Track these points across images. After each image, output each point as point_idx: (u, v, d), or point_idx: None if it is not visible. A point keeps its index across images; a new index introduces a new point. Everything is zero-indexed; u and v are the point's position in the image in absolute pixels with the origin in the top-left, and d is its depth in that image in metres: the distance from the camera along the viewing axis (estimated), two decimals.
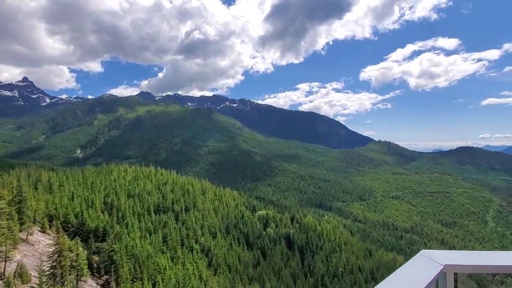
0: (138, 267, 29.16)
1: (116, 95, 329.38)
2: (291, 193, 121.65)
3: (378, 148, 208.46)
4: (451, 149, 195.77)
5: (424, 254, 1.97)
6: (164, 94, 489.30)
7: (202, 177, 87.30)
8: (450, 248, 66.78)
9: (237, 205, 58.27)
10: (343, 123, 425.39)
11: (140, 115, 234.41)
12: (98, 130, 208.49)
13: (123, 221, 38.76)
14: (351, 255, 48.33)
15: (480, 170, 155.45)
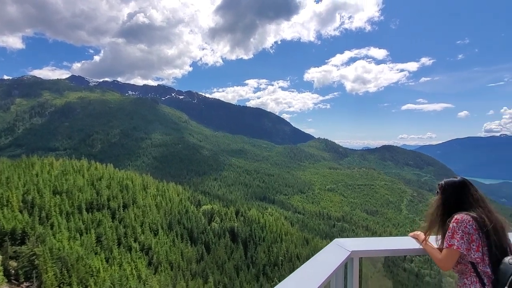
0: (66, 271, 26.19)
1: (40, 77, 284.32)
2: (237, 187, 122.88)
3: (317, 145, 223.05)
4: (376, 147, 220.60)
5: (336, 242, 2.18)
6: (101, 80, 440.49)
7: (143, 171, 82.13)
8: (372, 234, 75.90)
9: (181, 200, 56.50)
10: (288, 120, 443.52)
11: (70, 101, 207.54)
12: (16, 117, 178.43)
13: (48, 221, 34.20)
14: (291, 244, 51.21)
15: (398, 166, 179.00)
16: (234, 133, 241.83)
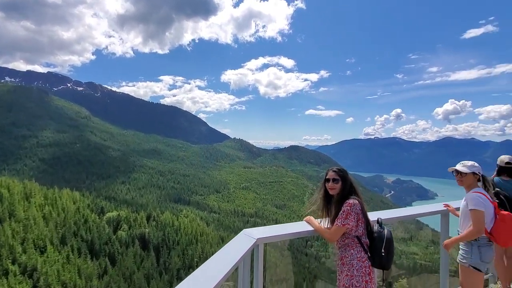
0: None
1: None
2: (149, 190, 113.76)
3: (233, 145, 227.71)
4: (285, 147, 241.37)
5: (244, 232, 2.39)
6: None
7: (26, 176, 66.89)
8: None
9: (79, 208, 48.50)
10: (204, 120, 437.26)
11: None
12: None
13: None
14: (206, 245, 50.71)
15: (302, 164, 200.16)
16: (146, 132, 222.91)
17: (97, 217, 48.28)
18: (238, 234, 2.38)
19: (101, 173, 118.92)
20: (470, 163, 2.94)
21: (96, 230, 44.01)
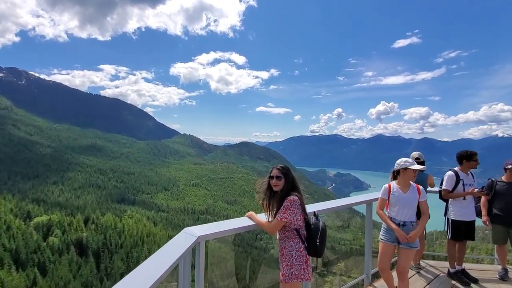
0: None
1: None
2: (87, 190, 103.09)
3: (183, 141, 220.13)
4: (236, 143, 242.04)
5: (185, 231, 2.41)
6: None
7: None
8: None
9: None
10: (151, 115, 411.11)
11: None
12: None
13: None
14: (153, 245, 48.23)
15: (252, 160, 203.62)
16: (83, 126, 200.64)
17: (23, 223, 42.11)
18: (179, 233, 2.38)
19: (26, 172, 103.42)
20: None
21: (22, 237, 38.37)
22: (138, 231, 51.55)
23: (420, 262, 4.56)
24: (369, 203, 4.13)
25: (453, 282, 4.02)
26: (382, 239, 3.28)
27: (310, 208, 3.12)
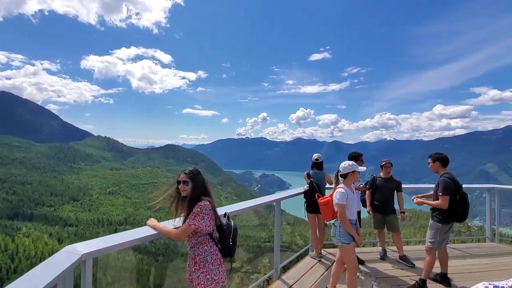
0: None
1: None
2: None
3: (97, 144, 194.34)
4: (161, 146, 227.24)
5: (66, 249, 2.05)
6: None
7: None
8: None
9: None
10: (55, 113, 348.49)
11: None
12: None
13: None
14: None
15: (179, 163, 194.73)
16: None
17: None
18: (59, 251, 1.98)
19: None
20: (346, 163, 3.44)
21: None
22: (37, 251, 42.55)
23: (322, 251, 5.08)
24: (277, 202, 4.36)
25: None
26: (347, 243, 3.31)
27: (226, 209, 3.10)
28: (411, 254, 5.04)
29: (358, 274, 4.24)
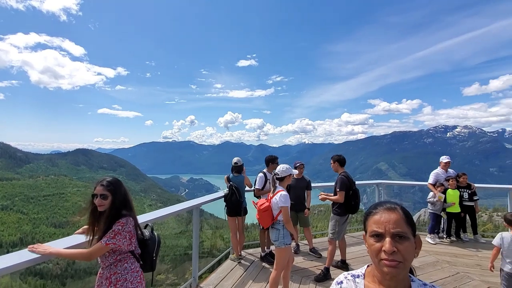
0: None
1: None
2: None
3: None
4: (69, 151, 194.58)
5: None
6: None
7: None
8: None
9: None
10: None
11: None
12: None
13: None
14: None
15: (93, 170, 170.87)
16: None
17: None
18: None
19: None
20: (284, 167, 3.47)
21: None
22: None
23: (241, 252, 5.15)
24: (196, 208, 4.21)
25: (263, 263, 4.78)
26: (289, 244, 3.33)
27: (142, 218, 2.84)
28: (321, 245, 5.61)
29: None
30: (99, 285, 2.11)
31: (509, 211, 4.88)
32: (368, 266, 1.04)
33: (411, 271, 1.01)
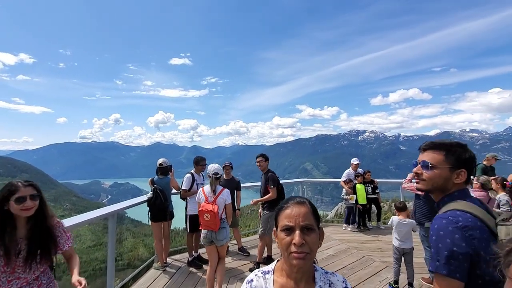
0: None
1: None
2: None
3: None
4: None
5: None
6: None
7: None
8: None
9: None
10: None
11: None
12: None
13: None
14: None
15: None
16: None
17: None
18: None
19: None
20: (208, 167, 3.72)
21: None
22: None
23: (166, 259, 4.81)
24: (113, 215, 3.74)
25: (191, 268, 4.57)
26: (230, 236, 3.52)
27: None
28: (250, 243, 5.70)
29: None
30: None
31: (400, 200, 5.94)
32: (277, 261, 1.07)
33: (314, 261, 1.03)
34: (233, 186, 5.23)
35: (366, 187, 7.15)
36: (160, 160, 4.73)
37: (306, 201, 0.98)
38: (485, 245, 1.01)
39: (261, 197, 4.71)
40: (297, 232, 0.91)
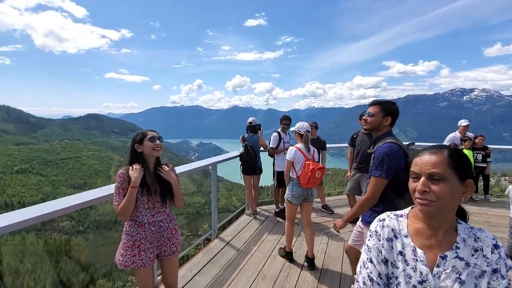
0: None
1: None
2: None
3: None
4: (80, 116, 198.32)
5: None
6: None
7: None
8: None
9: None
10: None
11: None
12: None
13: None
14: None
15: (105, 134, 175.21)
16: None
17: None
18: None
19: None
20: (298, 125, 3.43)
21: None
22: None
23: (256, 208, 5.41)
24: (213, 166, 4.35)
25: (278, 218, 5.03)
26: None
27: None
28: (332, 203, 5.82)
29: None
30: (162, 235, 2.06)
31: None
32: (412, 208, 1.07)
33: (464, 217, 1.00)
34: (319, 145, 5.23)
35: (475, 154, 6.09)
36: (250, 119, 5.06)
37: (445, 150, 0.93)
38: (402, 160, 1.89)
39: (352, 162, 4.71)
40: (422, 179, 0.91)
